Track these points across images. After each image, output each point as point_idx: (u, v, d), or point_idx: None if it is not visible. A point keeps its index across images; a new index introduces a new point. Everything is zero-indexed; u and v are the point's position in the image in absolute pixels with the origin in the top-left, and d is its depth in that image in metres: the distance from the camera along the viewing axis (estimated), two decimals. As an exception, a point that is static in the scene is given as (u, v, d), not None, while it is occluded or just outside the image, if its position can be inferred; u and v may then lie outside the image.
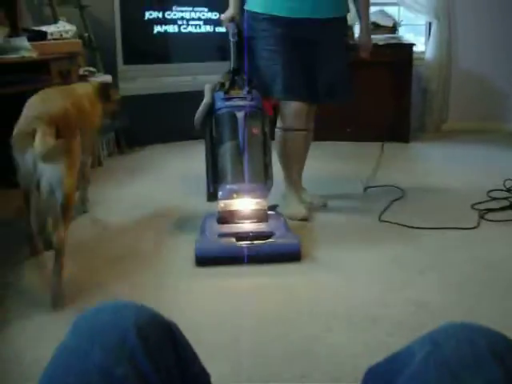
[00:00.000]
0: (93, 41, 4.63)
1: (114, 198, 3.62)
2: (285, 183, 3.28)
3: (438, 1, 5.53)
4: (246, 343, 1.96)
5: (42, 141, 2.11)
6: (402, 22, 5.52)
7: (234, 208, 2.75)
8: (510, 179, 3.71)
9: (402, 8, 5.76)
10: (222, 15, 3.21)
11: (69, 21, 4.21)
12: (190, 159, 4.62)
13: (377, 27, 5.28)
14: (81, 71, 4.27)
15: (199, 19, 5.14)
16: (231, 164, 2.75)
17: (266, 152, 2.88)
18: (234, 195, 2.72)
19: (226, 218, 2.74)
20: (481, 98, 5.76)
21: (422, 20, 5.85)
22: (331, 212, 3.32)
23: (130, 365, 0.70)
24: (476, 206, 3.32)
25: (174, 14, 5.01)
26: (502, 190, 3.59)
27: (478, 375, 0.63)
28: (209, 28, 5.18)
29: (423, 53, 5.74)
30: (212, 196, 2.85)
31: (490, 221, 3.13)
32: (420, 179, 4.08)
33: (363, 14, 3.26)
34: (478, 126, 5.69)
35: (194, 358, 0.81)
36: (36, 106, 2.40)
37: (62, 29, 3.94)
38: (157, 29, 4.96)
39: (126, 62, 4.80)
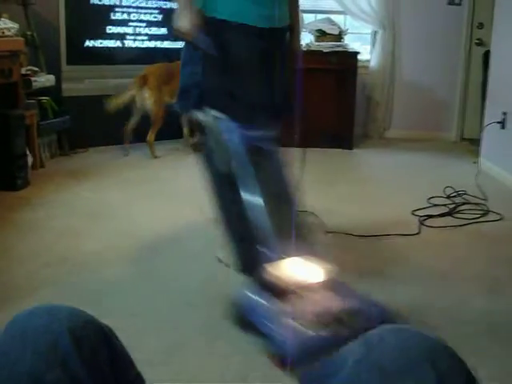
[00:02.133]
0: (36, 39, 4.53)
1: (58, 202, 3.54)
2: None
3: (383, 11, 5.64)
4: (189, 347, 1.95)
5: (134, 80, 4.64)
6: (348, 31, 5.59)
7: (297, 278, 1.92)
8: (449, 186, 3.81)
9: (348, 16, 5.85)
10: (180, 24, 2.30)
11: (12, 18, 4.10)
12: (133, 162, 4.58)
13: (323, 35, 5.34)
14: (23, 70, 4.18)
15: (147, 21, 5.12)
16: (280, 218, 2.01)
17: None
18: (294, 260, 1.97)
19: (290, 292, 1.86)
20: (423, 107, 5.89)
21: (367, 29, 5.95)
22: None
23: (63, 370, 0.68)
24: (416, 213, 3.39)
25: (121, 15, 4.97)
26: (441, 197, 3.68)
27: (410, 377, 0.64)
28: (156, 30, 5.16)
29: (368, 61, 5.84)
30: (250, 265, 2.09)
31: (430, 227, 3.20)
32: (362, 185, 4.14)
33: (294, 18, 2.76)
34: (419, 135, 5.82)
35: (129, 362, 0.80)
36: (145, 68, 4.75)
37: (3, 26, 3.84)
38: (102, 29, 4.90)
39: (70, 62, 4.72)
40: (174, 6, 2.48)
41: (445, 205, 3.55)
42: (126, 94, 4.60)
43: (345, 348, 0.73)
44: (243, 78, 2.45)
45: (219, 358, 1.89)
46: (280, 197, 2.14)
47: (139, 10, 5.06)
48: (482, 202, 3.64)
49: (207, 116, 2.24)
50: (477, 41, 5.74)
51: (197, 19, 2.29)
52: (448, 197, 3.71)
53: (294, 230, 1.95)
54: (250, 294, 1.91)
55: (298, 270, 1.95)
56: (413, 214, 3.38)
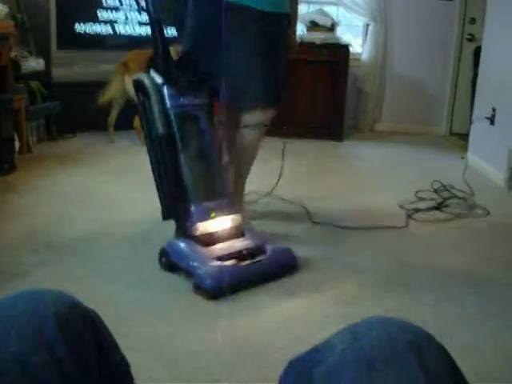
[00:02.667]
0: (26, 22, 4.49)
1: (45, 187, 3.52)
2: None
3: (375, 3, 5.63)
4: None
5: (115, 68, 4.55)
6: (341, 23, 5.58)
7: (213, 228, 2.43)
8: (437, 180, 3.82)
9: (340, 8, 5.84)
10: None
11: (1, 0, 4.06)
12: (121, 149, 4.57)
13: (315, 26, 5.33)
14: (12, 54, 4.14)
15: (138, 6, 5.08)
16: (202, 178, 2.48)
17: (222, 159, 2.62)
18: (212, 214, 2.42)
19: (208, 239, 2.39)
20: (413, 100, 5.91)
21: (359, 21, 5.95)
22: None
23: (48, 353, 0.68)
24: (404, 206, 3.40)
25: (112, 0, 4.93)
26: (429, 191, 3.70)
27: (394, 365, 0.64)
28: (147, 17, 5.13)
29: (360, 54, 5.84)
30: (171, 213, 2.50)
31: (418, 220, 3.21)
32: (350, 178, 4.15)
33: (293, 8, 2.86)
34: (409, 128, 5.84)
35: (114, 346, 0.80)
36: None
37: (-8, 9, 3.81)
38: (93, 14, 4.86)
39: (60, 46, 4.69)
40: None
41: (432, 199, 3.57)
42: (112, 84, 4.59)
43: (332, 336, 0.73)
44: (232, 56, 2.53)
45: (205, 345, 1.90)
46: (208, 160, 2.51)
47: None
48: (469, 196, 3.66)
49: (151, 79, 2.46)
50: (468, 36, 5.76)
51: None
52: (435, 191, 3.73)
53: (218, 190, 2.49)
54: (177, 242, 2.40)
55: (217, 222, 2.44)
56: (400, 207, 3.39)
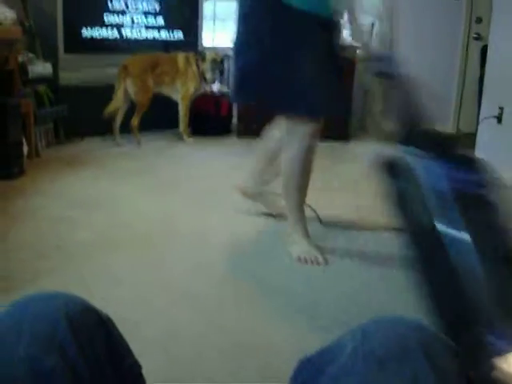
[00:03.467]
0: (33, 27, 4.51)
1: (53, 191, 3.53)
2: (293, 217, 2.74)
3: (381, 1, 5.61)
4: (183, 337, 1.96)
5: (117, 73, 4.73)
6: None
7: None
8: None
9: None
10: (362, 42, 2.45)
11: (9, 7, 4.08)
12: (129, 153, 4.58)
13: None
14: (20, 58, 4.16)
15: (144, 11, 5.11)
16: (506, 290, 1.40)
17: None
18: None
19: None
20: (420, 99, 5.89)
21: (365, 20, 5.93)
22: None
23: (60, 356, 0.68)
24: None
25: (119, 4, 4.95)
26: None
27: (405, 365, 0.65)
28: (154, 20, 5.16)
29: (365, 53, 5.82)
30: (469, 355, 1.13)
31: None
32: (358, 177, 4.14)
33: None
34: (416, 128, 5.82)
35: (126, 350, 0.80)
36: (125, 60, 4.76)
37: (0, 15, 3.83)
38: (100, 18, 4.88)
39: (67, 50, 4.71)
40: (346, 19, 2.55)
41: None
42: (117, 93, 4.75)
43: (342, 336, 0.73)
44: (304, 65, 2.48)
45: (214, 348, 1.90)
46: (504, 260, 1.54)
47: (137, 0, 5.05)
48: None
49: (399, 153, 1.72)
50: (475, 35, 5.74)
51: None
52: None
53: None
54: None
55: None
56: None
